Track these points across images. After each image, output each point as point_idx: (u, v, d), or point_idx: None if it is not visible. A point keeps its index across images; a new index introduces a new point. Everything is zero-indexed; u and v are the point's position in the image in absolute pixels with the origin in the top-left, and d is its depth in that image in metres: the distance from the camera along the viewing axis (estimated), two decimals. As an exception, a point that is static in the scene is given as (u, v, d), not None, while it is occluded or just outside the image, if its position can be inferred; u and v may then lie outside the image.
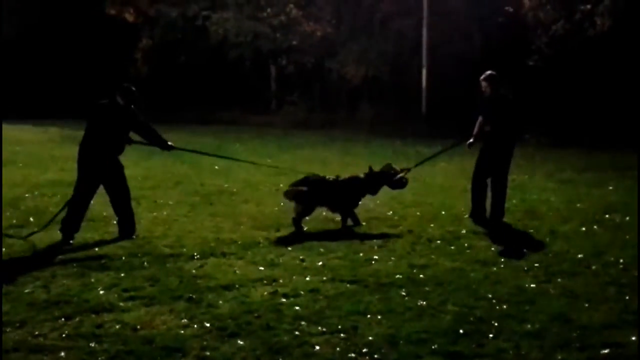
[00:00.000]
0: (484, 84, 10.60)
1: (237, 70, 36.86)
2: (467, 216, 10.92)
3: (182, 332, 5.93)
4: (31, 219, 10.52)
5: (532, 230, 10.12)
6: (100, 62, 38.49)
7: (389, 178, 10.38)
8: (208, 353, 5.48)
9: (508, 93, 10.75)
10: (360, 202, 10.39)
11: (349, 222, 10.25)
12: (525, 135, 25.20)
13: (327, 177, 10.36)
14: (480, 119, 10.86)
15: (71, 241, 9.11)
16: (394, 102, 30.58)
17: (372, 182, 10.30)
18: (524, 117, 11.16)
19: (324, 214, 10.82)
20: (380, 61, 31.77)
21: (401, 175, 10.38)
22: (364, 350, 5.54)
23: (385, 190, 11.86)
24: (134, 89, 9.50)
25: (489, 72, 10.71)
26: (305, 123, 32.43)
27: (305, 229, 9.94)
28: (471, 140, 10.92)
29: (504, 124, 10.51)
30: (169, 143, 9.76)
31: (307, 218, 10.10)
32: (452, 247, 9.04)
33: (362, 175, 10.33)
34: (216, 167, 16.55)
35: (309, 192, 9.90)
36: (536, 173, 16.82)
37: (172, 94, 37.84)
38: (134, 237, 9.40)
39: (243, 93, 36.45)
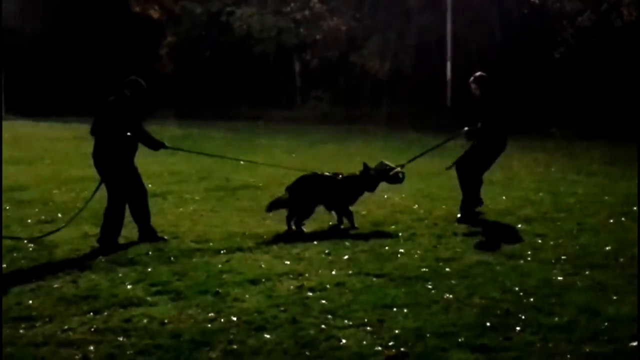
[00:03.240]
0: (473, 86, 10.35)
1: (261, 65, 36.93)
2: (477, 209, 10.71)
3: (209, 326, 5.96)
4: (59, 215, 10.61)
5: (559, 223, 10.04)
6: (126, 59, 38.71)
7: (385, 174, 10.12)
8: (235, 347, 5.50)
9: (497, 94, 10.43)
10: (357, 200, 10.12)
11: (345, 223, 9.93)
12: (552, 129, 25.09)
13: (325, 173, 10.15)
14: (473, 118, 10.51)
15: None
16: (417, 95, 30.49)
17: (369, 179, 10.06)
18: (510, 119, 10.70)
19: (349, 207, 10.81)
20: (404, 55, 31.70)
21: (397, 170, 10.20)
22: (391, 343, 5.54)
23: (410, 184, 11.87)
24: (142, 82, 9.14)
25: (478, 73, 10.46)
26: (330, 117, 32.43)
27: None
28: (467, 128, 10.46)
29: (492, 126, 10.21)
30: (162, 142, 9.40)
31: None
32: (478, 241, 9.00)
33: (357, 173, 10.13)
34: (241, 162, 16.58)
35: (304, 192, 9.70)
36: (563, 166, 16.71)
37: (196, 90, 38.01)
38: (164, 237, 9.11)
39: (267, 88, 36.51)
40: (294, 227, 9.56)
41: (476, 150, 10.38)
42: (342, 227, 9.76)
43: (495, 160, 10.51)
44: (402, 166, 10.33)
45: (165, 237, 9.14)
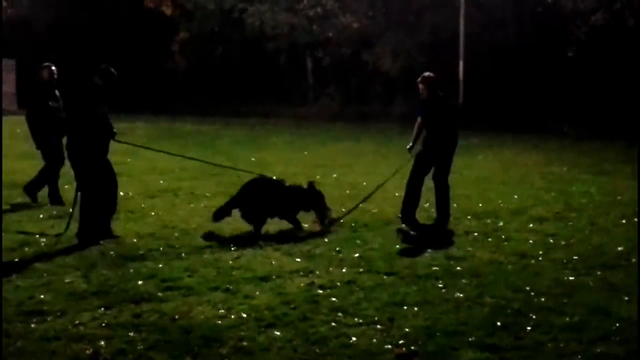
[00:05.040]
0: (420, 86, 10.08)
1: (273, 62, 36.94)
2: (398, 216, 10.21)
3: (220, 322, 5.97)
4: (71, 210, 10.63)
5: (571, 223, 10.01)
6: (139, 55, 38.78)
7: (317, 204, 9.64)
8: (245, 343, 5.51)
9: (444, 95, 10.26)
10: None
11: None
12: (564, 128, 25.01)
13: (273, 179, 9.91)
14: (419, 120, 10.33)
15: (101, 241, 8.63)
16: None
17: (312, 197, 9.65)
18: (459, 120, 10.54)
19: (361, 205, 10.80)
20: (416, 53, 31.64)
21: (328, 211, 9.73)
22: (401, 341, 5.53)
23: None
24: (113, 70, 9.03)
25: (426, 73, 10.23)
26: (342, 115, 32.41)
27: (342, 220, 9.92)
28: (410, 144, 10.40)
29: (441, 127, 10.01)
30: (114, 132, 9.03)
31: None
32: (490, 240, 8.98)
33: (305, 187, 9.73)
34: (252, 158, 16.63)
35: (256, 200, 9.35)
36: (575, 165, 16.65)
37: (208, 87, 38.06)
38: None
39: (279, 85, 36.52)
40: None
41: (430, 157, 10.05)
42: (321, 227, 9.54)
43: (452, 162, 10.23)
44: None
45: (119, 235, 8.93)
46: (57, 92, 11.51)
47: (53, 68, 11.51)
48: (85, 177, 8.76)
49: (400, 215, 10.04)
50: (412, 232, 9.58)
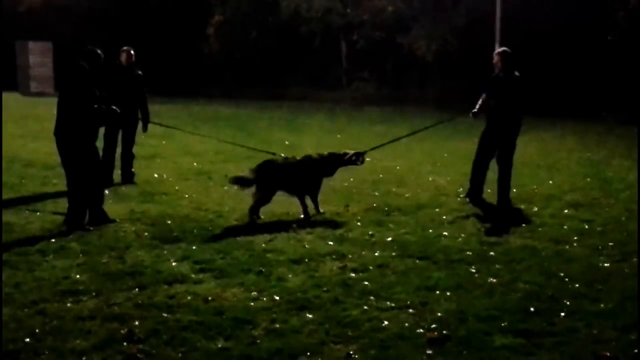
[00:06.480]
0: (496, 58, 10.20)
1: (307, 46, 36.84)
2: (462, 196, 10.52)
3: (252, 304, 6.00)
4: (106, 192, 10.73)
5: (607, 209, 9.90)
6: (174, 38, 38.88)
7: (341, 158, 9.70)
8: (277, 325, 5.54)
9: (517, 72, 10.21)
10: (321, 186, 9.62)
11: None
12: (602, 113, 24.68)
13: (285, 158, 9.70)
14: (483, 96, 10.41)
15: (91, 228, 8.52)
16: (465, 77, 30.18)
17: (328, 163, 9.62)
18: (529, 97, 10.54)
19: (394, 190, 10.77)
20: (452, 36, 31.35)
21: (351, 153, 9.73)
22: (433, 326, 5.53)
23: (455, 167, 11.75)
24: (99, 52, 8.74)
25: (502, 48, 10.45)
26: (376, 99, 32.28)
27: (374, 205, 9.91)
28: (475, 110, 10.42)
29: (511, 103, 10.07)
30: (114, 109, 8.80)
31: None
32: (524, 225, 8.92)
33: (316, 156, 9.66)
34: (286, 142, 16.65)
35: (269, 177, 9.24)
36: (613, 150, 16.45)
37: (243, 70, 38.10)
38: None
39: (313, 69, 36.43)
40: (254, 217, 9.14)
41: (496, 134, 10.19)
42: (301, 216, 9.29)
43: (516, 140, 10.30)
44: (364, 152, 9.96)
45: (117, 220, 8.92)
46: (139, 72, 11.70)
47: (132, 52, 11.63)
48: (72, 163, 8.64)
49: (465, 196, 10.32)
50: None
